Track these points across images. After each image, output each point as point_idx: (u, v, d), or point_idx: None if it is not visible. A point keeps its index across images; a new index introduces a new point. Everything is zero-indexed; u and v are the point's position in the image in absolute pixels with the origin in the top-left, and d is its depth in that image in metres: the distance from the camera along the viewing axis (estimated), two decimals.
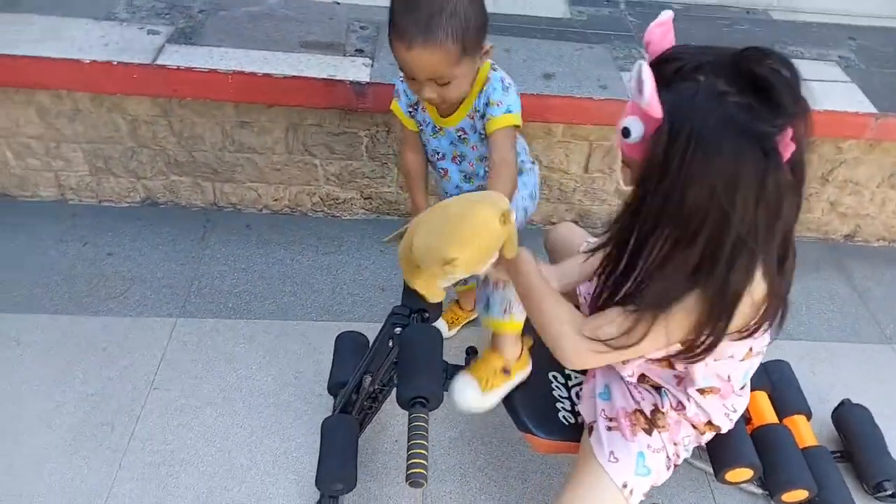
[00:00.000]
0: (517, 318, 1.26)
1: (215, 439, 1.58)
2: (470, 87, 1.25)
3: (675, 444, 1.22)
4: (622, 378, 1.24)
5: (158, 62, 1.76)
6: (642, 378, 1.23)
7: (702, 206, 0.85)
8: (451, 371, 1.32)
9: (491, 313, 1.27)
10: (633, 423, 1.20)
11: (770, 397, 1.61)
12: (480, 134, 1.31)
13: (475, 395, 1.24)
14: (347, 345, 1.54)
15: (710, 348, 0.97)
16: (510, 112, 1.24)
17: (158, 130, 1.98)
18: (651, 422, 1.21)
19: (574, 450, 1.28)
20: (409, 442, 1.06)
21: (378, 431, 1.62)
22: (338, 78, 1.78)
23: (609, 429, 1.21)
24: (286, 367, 1.75)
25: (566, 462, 1.59)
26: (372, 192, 2.17)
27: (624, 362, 1.20)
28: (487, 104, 1.25)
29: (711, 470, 1.37)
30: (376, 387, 1.35)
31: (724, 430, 1.26)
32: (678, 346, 1.00)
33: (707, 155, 0.82)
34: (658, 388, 1.22)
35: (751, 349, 1.11)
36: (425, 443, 1.06)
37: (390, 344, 1.27)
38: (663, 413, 1.21)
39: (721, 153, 0.82)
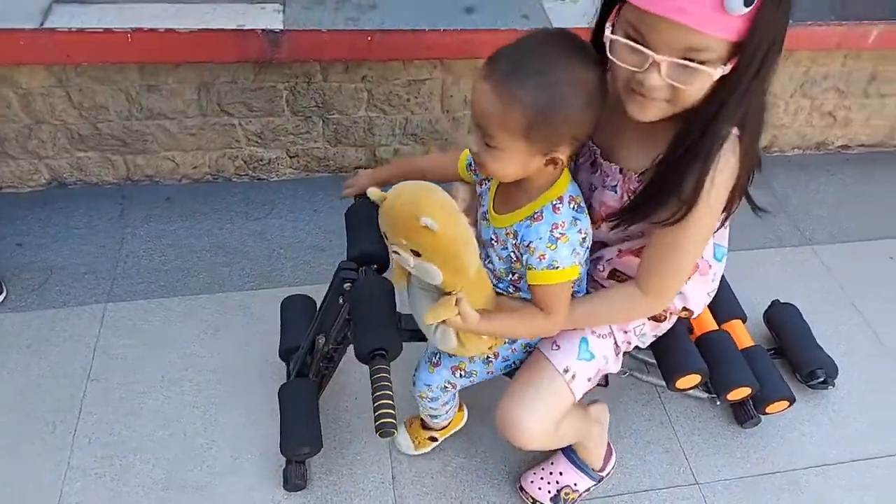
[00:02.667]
0: (439, 424, 1.45)
1: (167, 423, 1.51)
2: (515, 176, 1.03)
3: (624, 332, 1.25)
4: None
5: (46, 25, 1.60)
6: (613, 273, 1.22)
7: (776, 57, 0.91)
8: (406, 321, 1.29)
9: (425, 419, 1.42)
10: None
11: (708, 306, 1.67)
12: (511, 258, 1.11)
13: (410, 450, 1.49)
14: (294, 309, 1.49)
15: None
16: (554, 268, 1.04)
17: (56, 103, 1.81)
18: None
19: None
20: (373, 394, 1.03)
21: (337, 392, 1.58)
22: (248, 28, 1.67)
23: None
24: (230, 341, 1.68)
25: None
26: (298, 149, 2.07)
27: (597, 259, 1.22)
28: (527, 247, 1.05)
29: (662, 383, 1.42)
30: (331, 346, 1.31)
31: (696, 315, 1.31)
32: None
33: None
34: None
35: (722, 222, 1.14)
36: (390, 393, 1.04)
37: (341, 301, 1.23)
38: None
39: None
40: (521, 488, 1.46)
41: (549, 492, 1.43)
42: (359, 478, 1.46)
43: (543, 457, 1.49)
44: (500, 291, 1.18)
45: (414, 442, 1.49)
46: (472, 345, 1.14)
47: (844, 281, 2.01)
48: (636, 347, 1.33)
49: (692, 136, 0.96)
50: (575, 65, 0.94)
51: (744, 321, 1.69)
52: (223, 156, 2.04)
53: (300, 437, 1.28)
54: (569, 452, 1.46)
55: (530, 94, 0.91)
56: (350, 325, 1.22)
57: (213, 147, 2.01)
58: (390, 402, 1.05)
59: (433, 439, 1.49)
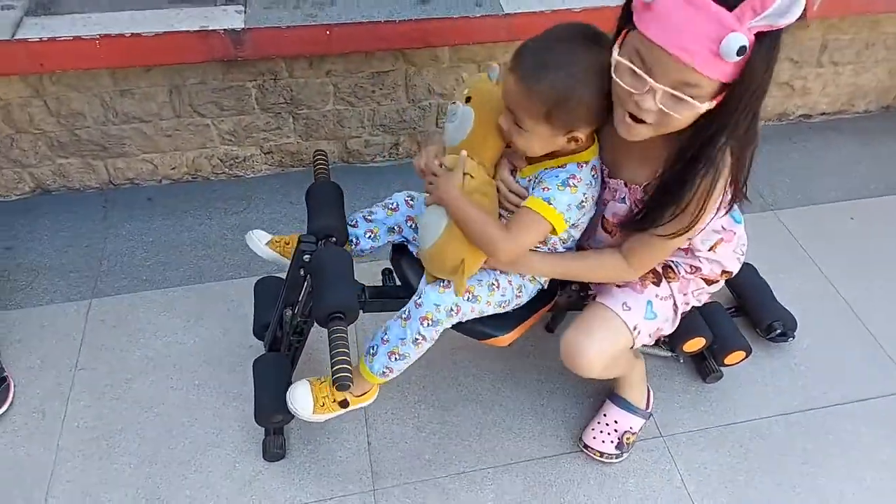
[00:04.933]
0: (373, 370, 1.30)
1: (151, 405, 1.59)
2: (542, 152, 1.19)
3: (684, 294, 1.41)
4: None
5: (18, 37, 1.68)
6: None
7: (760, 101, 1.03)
8: (369, 292, 1.37)
9: (370, 363, 1.30)
10: (643, 279, 1.36)
11: None
12: None
13: (306, 409, 1.31)
14: (266, 289, 1.56)
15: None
16: (548, 202, 1.17)
17: (34, 112, 1.89)
18: (660, 275, 1.38)
19: (532, 321, 1.41)
20: (331, 352, 1.11)
21: (313, 370, 1.65)
22: (211, 28, 1.75)
23: (619, 286, 1.37)
24: (212, 327, 1.76)
25: (490, 355, 1.69)
26: (271, 145, 2.16)
27: None
28: (539, 181, 1.20)
29: (668, 354, 1.63)
30: (298, 319, 1.39)
31: (734, 273, 1.47)
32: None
33: (777, 56, 0.98)
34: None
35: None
36: (347, 350, 1.11)
37: (302, 273, 1.30)
38: (674, 270, 1.39)
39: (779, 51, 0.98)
40: (586, 446, 1.53)
41: (613, 441, 1.52)
42: (336, 446, 1.54)
43: (594, 409, 1.59)
44: None
45: (316, 403, 1.32)
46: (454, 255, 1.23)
47: (806, 242, 2.07)
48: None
49: (687, 154, 1.09)
50: (588, 56, 1.08)
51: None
52: (200, 156, 2.12)
53: (272, 406, 1.35)
54: (616, 399, 1.56)
55: (548, 87, 1.08)
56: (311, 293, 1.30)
57: (189, 147, 2.09)
58: (347, 357, 1.12)
59: (344, 404, 1.34)
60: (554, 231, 1.19)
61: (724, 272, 1.44)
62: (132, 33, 1.71)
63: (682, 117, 1.03)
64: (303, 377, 1.37)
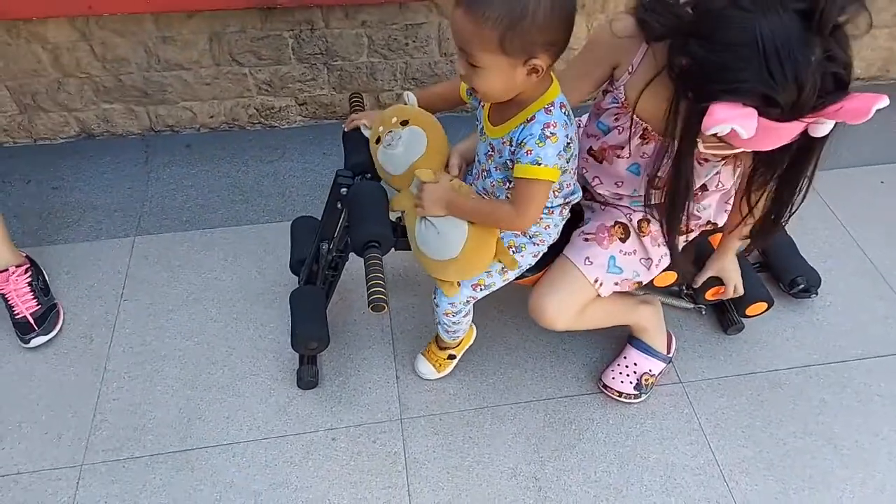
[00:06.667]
0: (447, 338, 1.53)
1: (192, 335, 1.67)
2: (504, 92, 1.12)
3: (657, 245, 1.41)
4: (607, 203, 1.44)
5: None
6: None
7: None
8: (401, 231, 1.42)
9: (441, 335, 1.52)
10: (611, 234, 1.40)
11: None
12: (507, 165, 1.20)
13: (433, 373, 1.60)
14: (302, 227, 1.63)
15: None
16: (537, 164, 1.12)
17: (81, 57, 1.97)
18: (628, 230, 1.40)
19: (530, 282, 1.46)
20: (367, 276, 1.16)
21: (345, 309, 1.73)
22: None
23: (586, 240, 1.40)
24: (249, 266, 1.83)
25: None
26: (306, 96, 2.21)
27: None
28: (520, 144, 1.14)
29: (691, 306, 1.67)
30: (334, 254, 1.45)
31: (720, 225, 1.48)
32: None
33: None
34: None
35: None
36: (382, 275, 1.17)
37: (339, 206, 1.36)
38: (649, 222, 1.40)
39: None
40: (606, 386, 1.59)
41: (631, 382, 1.57)
42: (366, 378, 1.61)
43: (615, 353, 1.64)
44: None
45: (435, 366, 1.59)
46: (478, 257, 1.28)
47: (835, 204, 2.08)
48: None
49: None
50: None
51: None
52: (237, 105, 2.18)
53: (309, 333, 1.42)
54: (636, 342, 1.60)
55: (496, 10, 1.00)
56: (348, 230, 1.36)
57: (227, 96, 2.15)
58: (382, 282, 1.18)
59: (452, 357, 1.60)
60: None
61: (709, 222, 1.46)
62: None
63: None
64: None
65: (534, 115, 1.13)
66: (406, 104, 1.31)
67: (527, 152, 1.13)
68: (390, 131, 1.27)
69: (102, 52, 1.97)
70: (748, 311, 1.68)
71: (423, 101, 1.36)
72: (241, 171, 2.11)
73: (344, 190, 1.33)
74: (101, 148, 2.15)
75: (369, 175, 1.38)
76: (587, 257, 1.39)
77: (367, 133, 1.38)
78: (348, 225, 1.37)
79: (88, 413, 1.52)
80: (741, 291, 1.57)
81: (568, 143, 1.16)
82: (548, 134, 1.12)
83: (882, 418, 1.58)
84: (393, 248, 1.35)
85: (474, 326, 1.60)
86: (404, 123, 1.23)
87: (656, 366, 1.60)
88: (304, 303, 1.45)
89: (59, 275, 1.78)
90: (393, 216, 1.28)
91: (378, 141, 1.31)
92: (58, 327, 1.65)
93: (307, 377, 1.55)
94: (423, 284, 1.77)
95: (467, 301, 1.42)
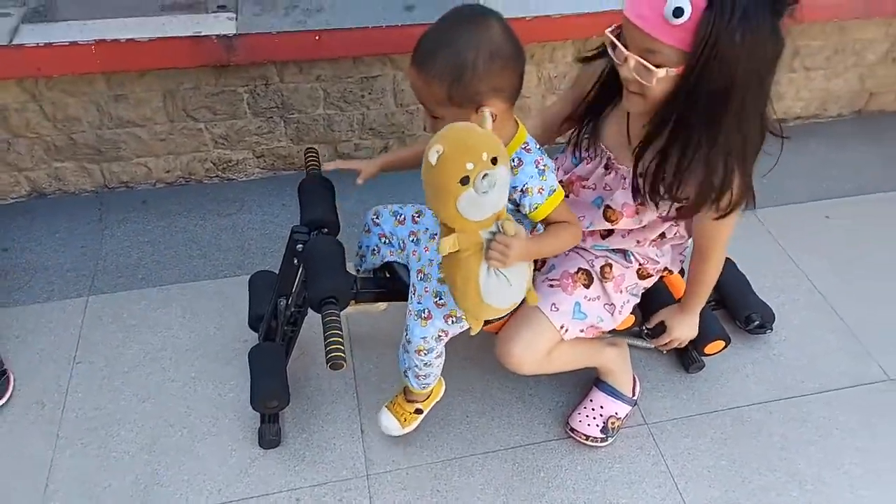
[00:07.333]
0: (415, 386, 1.46)
1: (148, 396, 1.63)
2: None
3: (619, 291, 1.46)
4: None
5: (15, 42, 1.73)
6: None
7: (744, 81, 1.05)
8: (361, 283, 1.42)
9: (410, 383, 1.45)
10: (574, 281, 1.43)
11: None
12: (511, 211, 1.24)
13: (397, 429, 1.52)
14: (260, 282, 1.61)
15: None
16: (553, 192, 1.22)
17: (31, 117, 1.94)
18: (591, 277, 1.45)
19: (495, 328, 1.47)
20: (325, 335, 1.15)
21: (307, 363, 1.70)
22: (204, 34, 1.81)
23: (551, 286, 1.43)
24: (207, 322, 1.80)
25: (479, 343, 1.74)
26: (263, 149, 2.21)
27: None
28: (524, 190, 1.19)
29: (652, 346, 1.68)
30: (292, 309, 1.44)
31: (675, 273, 1.57)
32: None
33: (753, 33, 1.00)
34: (624, 252, 1.46)
35: None
36: (340, 332, 1.16)
37: (295, 262, 1.35)
38: (611, 267, 1.45)
39: (762, 30, 1.01)
40: (573, 429, 1.58)
41: (598, 425, 1.57)
42: (330, 433, 1.58)
43: (582, 396, 1.64)
44: None
45: (400, 420, 1.51)
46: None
47: (783, 239, 2.14)
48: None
49: (658, 119, 1.17)
50: (474, 29, 1.10)
51: (682, 275, 1.82)
52: (193, 159, 2.17)
53: (268, 391, 1.40)
54: (602, 385, 1.61)
55: (440, 67, 1.10)
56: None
57: (183, 151, 2.14)
58: (340, 339, 1.17)
59: (419, 412, 1.53)
60: None
61: (665, 269, 1.53)
62: (127, 39, 1.77)
63: (654, 85, 1.10)
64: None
65: (517, 158, 1.21)
66: (482, 126, 1.09)
67: (539, 191, 1.21)
68: (486, 173, 1.05)
69: (53, 112, 1.95)
70: (707, 350, 1.71)
71: (409, 158, 1.44)
72: (198, 225, 2.09)
73: (300, 246, 1.33)
74: (53, 207, 2.11)
75: (325, 230, 1.38)
76: (553, 303, 1.41)
77: (359, 181, 1.40)
78: (305, 280, 1.36)
79: (41, 484, 1.46)
80: (675, 346, 1.61)
81: (555, 167, 1.29)
82: (542, 168, 1.22)
83: (842, 451, 1.60)
84: (353, 301, 1.35)
85: (443, 380, 1.56)
86: (494, 161, 1.07)
87: (622, 409, 1.60)
88: (262, 360, 1.43)
89: (8, 339, 1.72)
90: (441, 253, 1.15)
91: (465, 182, 1.05)
92: (7, 394, 1.59)
93: (269, 436, 1.51)
94: (389, 334, 1.76)
95: (439, 336, 1.37)
